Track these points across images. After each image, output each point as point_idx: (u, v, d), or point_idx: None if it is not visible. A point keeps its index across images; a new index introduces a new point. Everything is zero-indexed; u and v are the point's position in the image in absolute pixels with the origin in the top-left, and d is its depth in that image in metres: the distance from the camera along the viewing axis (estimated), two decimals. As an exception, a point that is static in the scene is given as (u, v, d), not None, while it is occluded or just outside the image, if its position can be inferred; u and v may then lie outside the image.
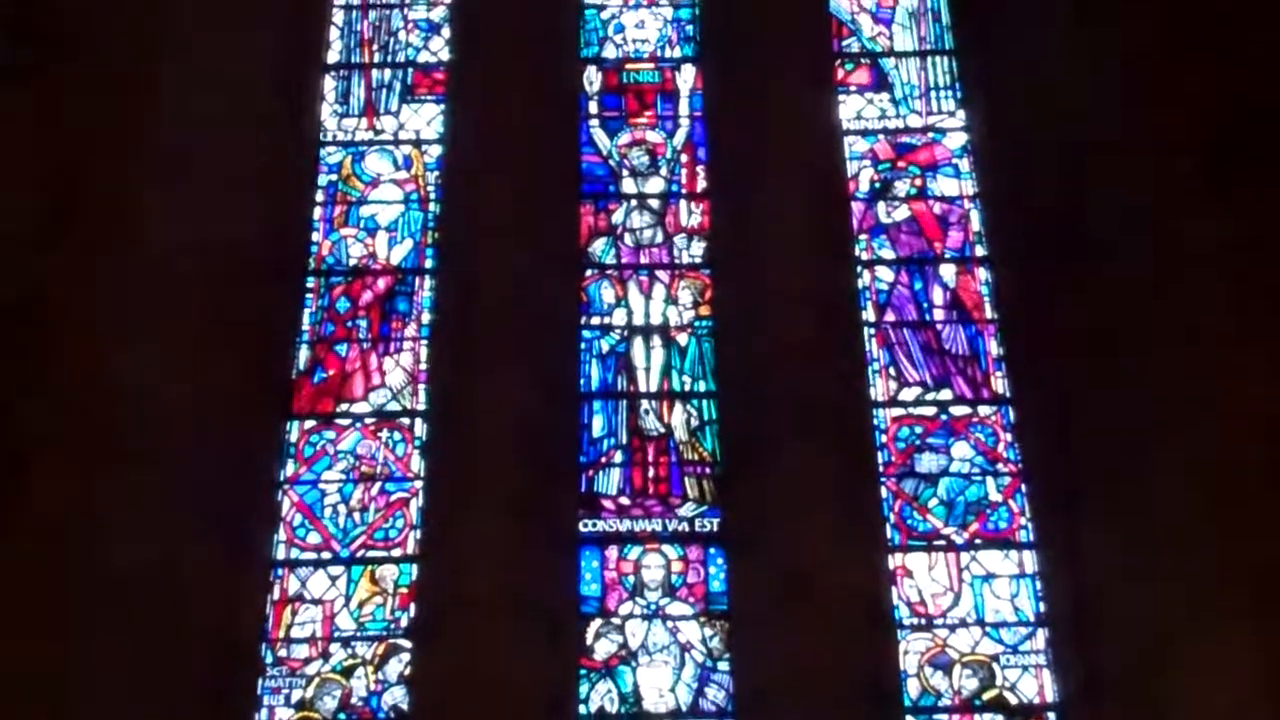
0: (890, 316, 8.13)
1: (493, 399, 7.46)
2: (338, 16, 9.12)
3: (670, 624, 7.30)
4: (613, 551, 7.47)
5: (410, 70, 8.95)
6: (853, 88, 8.88)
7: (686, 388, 7.93)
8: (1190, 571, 6.85)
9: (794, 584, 6.98)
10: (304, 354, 8.00)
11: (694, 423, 7.82)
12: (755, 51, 8.55)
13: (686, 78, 8.91)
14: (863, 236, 8.36)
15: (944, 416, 7.83)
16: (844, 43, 9.05)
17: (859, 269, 8.22)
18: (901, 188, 8.56)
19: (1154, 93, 7.95)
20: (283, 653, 7.23)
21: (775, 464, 7.34)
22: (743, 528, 7.40)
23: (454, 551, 7.13)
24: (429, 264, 8.28)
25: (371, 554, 7.46)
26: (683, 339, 8.08)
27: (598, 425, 7.81)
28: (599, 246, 8.38)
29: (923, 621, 7.30)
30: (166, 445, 7.17)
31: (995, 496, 7.62)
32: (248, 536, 7.34)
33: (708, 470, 7.69)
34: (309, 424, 7.81)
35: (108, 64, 8.09)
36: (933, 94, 8.86)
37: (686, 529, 7.53)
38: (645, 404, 7.88)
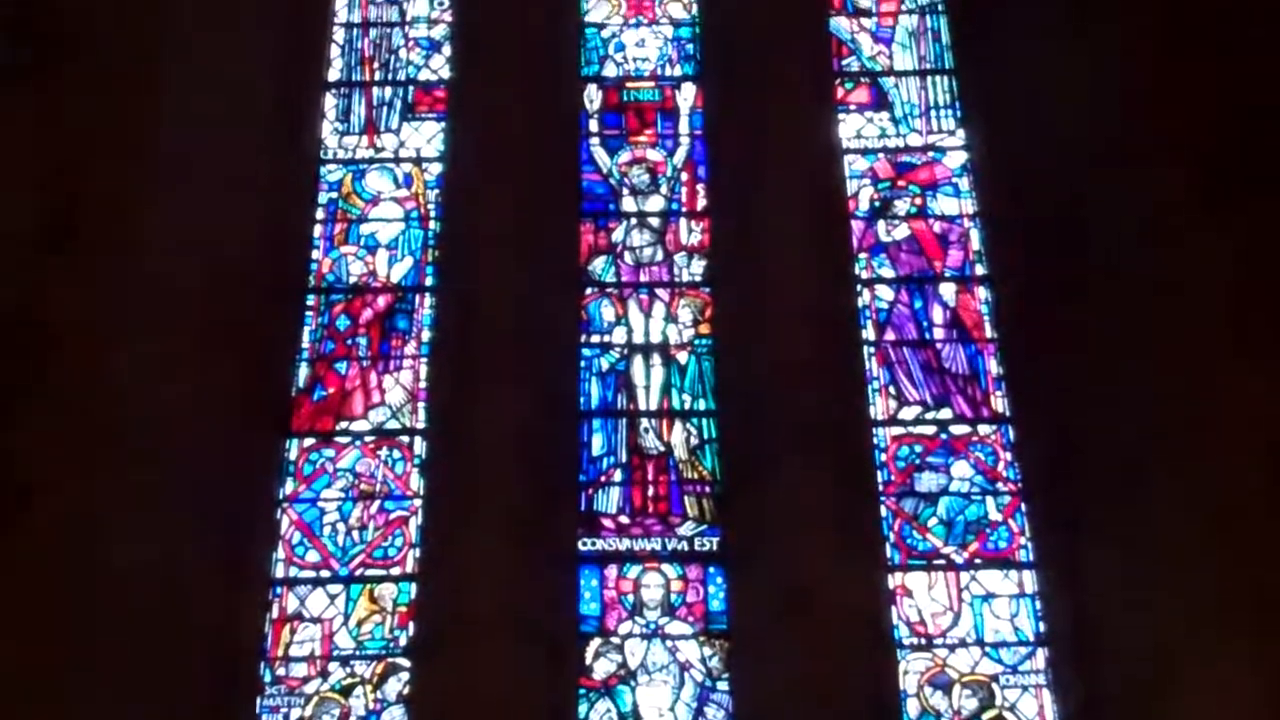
0: (890, 335, 8.11)
1: (492, 417, 7.44)
2: (338, 34, 9.11)
3: (670, 643, 7.28)
4: (612, 570, 7.45)
5: (411, 88, 8.94)
6: (853, 106, 8.87)
7: (686, 406, 7.92)
8: (1190, 591, 6.84)
9: (793, 603, 6.96)
10: (303, 371, 7.99)
11: (694, 441, 7.80)
12: (755, 70, 8.54)
13: (687, 96, 8.91)
14: (862, 255, 8.35)
15: (944, 435, 7.82)
16: (844, 62, 9.04)
17: (859, 287, 8.21)
18: (901, 206, 8.55)
19: (1153, 112, 7.96)
20: (281, 671, 7.21)
21: (775, 483, 7.32)
22: (742, 547, 7.38)
23: (453, 570, 7.11)
24: (429, 282, 8.27)
25: (370, 572, 7.44)
26: (683, 357, 8.07)
27: (597, 444, 7.80)
28: (599, 264, 8.38)
29: (922, 641, 7.28)
30: (167, 445, 7.16)
31: (995, 516, 7.60)
32: (246, 554, 7.32)
33: (707, 489, 7.67)
34: (308, 441, 7.79)
35: (108, 64, 8.09)
36: (933, 113, 8.86)
37: (686, 548, 7.51)
38: (645, 422, 7.86)
